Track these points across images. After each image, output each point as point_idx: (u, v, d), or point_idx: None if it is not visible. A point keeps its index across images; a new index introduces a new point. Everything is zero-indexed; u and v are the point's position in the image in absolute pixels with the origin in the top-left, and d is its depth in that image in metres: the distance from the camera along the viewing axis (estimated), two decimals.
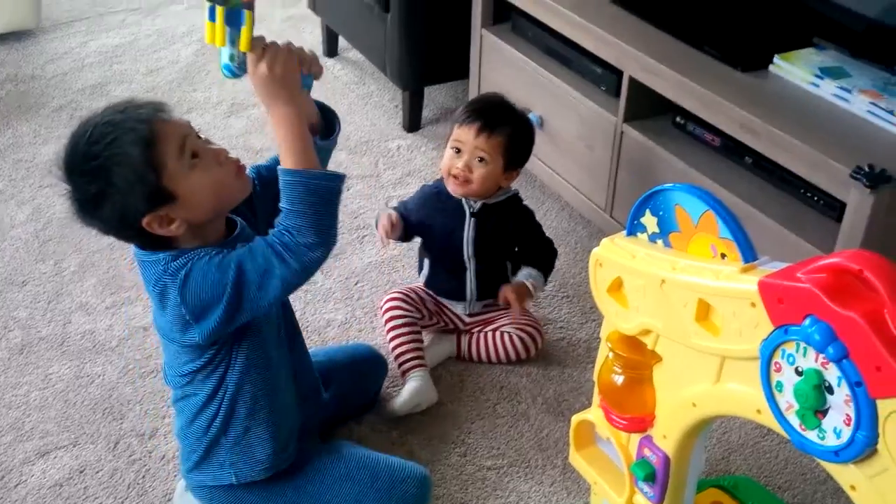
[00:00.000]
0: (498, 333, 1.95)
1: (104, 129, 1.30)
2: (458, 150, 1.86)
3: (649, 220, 1.27)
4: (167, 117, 1.35)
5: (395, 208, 1.97)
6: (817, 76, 1.80)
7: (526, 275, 1.93)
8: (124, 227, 1.36)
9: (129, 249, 2.22)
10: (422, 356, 1.88)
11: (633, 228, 1.31)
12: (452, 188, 1.88)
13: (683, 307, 1.19)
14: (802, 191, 1.77)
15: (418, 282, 2.02)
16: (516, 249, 1.98)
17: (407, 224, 1.93)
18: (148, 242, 1.38)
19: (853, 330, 0.97)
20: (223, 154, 1.40)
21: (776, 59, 1.88)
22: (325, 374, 1.72)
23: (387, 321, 1.92)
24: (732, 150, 1.89)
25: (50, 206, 2.43)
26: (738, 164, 1.90)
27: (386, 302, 1.95)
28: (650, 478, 1.35)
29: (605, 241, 1.33)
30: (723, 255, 1.18)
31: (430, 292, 1.99)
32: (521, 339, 1.93)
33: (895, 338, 0.95)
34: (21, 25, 3.30)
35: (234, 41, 1.36)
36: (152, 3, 3.68)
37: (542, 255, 1.98)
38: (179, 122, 1.37)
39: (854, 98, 1.74)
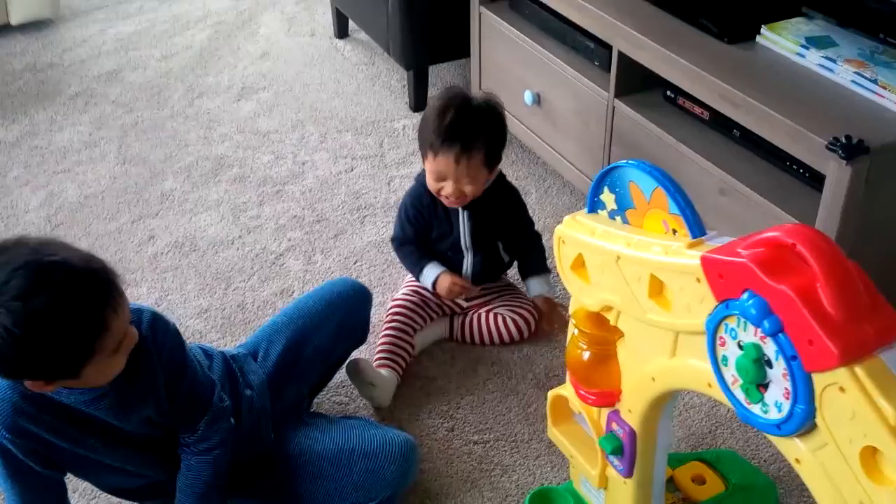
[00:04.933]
0: (492, 315, 1.96)
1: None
2: (442, 178, 1.83)
3: (608, 197, 1.28)
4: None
5: (395, 241, 1.99)
6: (803, 46, 1.78)
7: (541, 287, 1.98)
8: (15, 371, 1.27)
9: (136, 233, 2.31)
10: (399, 364, 1.88)
11: (594, 206, 1.31)
12: (448, 204, 1.88)
13: (638, 283, 1.20)
14: (787, 163, 1.76)
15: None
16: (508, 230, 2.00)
17: (415, 242, 1.96)
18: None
19: (786, 304, 0.97)
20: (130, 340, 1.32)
21: (763, 29, 1.86)
22: (310, 325, 1.71)
23: (385, 326, 1.93)
24: (720, 123, 1.88)
25: (63, 190, 2.50)
26: (726, 137, 1.89)
27: (390, 308, 1.96)
28: (618, 451, 1.37)
29: (567, 218, 1.34)
30: (674, 231, 1.18)
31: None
32: (514, 321, 1.95)
33: (827, 311, 0.95)
34: (40, 15, 3.36)
35: None
36: None
37: (529, 241, 2.01)
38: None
39: (839, 68, 1.72)
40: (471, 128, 1.79)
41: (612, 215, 1.29)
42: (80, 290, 1.22)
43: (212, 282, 2.16)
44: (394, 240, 2.01)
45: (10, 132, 2.77)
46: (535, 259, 2.01)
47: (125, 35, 3.37)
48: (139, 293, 2.13)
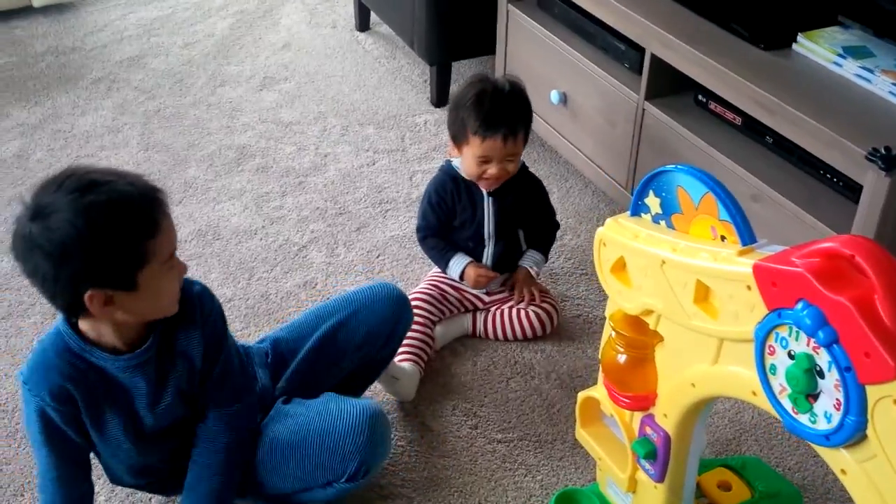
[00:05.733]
0: (514, 311, 1.96)
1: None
2: (486, 161, 1.86)
3: (653, 201, 1.28)
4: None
5: (420, 232, 2.00)
6: (840, 55, 1.78)
7: (531, 261, 1.99)
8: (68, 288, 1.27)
9: None
10: (420, 358, 1.88)
11: (637, 209, 1.31)
12: (487, 186, 1.90)
13: (683, 288, 1.20)
14: (822, 172, 1.76)
15: (435, 270, 2.03)
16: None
17: (438, 231, 1.98)
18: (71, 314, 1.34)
19: (843, 315, 0.97)
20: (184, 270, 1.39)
21: (800, 37, 1.85)
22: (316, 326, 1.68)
23: None
24: (753, 129, 1.88)
25: None
26: (758, 144, 1.89)
27: (410, 302, 1.96)
28: (651, 455, 1.37)
29: (609, 220, 1.34)
30: (723, 238, 1.18)
31: (448, 278, 2.00)
32: (537, 315, 1.95)
33: (884, 324, 0.95)
34: None
35: None
36: None
37: (547, 230, 2.03)
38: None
39: (876, 78, 1.72)
40: (511, 110, 1.85)
41: (656, 219, 1.29)
42: (130, 189, 1.26)
43: (235, 271, 2.16)
44: (418, 230, 2.02)
45: (33, 114, 2.76)
46: (545, 240, 2.04)
47: (147, 21, 3.36)
48: None
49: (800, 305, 1.02)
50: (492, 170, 1.85)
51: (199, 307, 1.42)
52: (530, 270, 1.99)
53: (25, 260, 1.25)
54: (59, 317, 1.36)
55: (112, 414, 1.41)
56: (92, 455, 1.48)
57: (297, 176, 2.50)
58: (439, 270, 2.01)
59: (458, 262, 1.95)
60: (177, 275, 1.36)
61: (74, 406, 1.37)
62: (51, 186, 1.25)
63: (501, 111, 1.83)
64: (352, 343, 1.67)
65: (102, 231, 1.23)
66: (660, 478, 1.38)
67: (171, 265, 1.33)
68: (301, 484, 1.53)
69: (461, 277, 1.95)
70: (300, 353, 1.66)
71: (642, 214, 1.31)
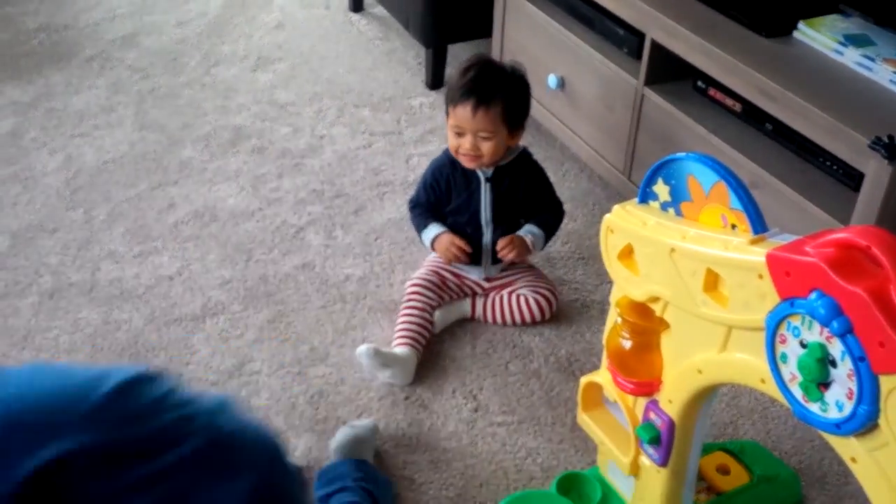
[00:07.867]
0: (514, 296, 1.97)
1: None
2: (460, 133, 1.86)
3: (661, 189, 1.29)
4: None
5: (411, 202, 2.01)
6: (841, 44, 1.79)
7: (526, 231, 1.96)
8: None
9: (156, 201, 2.30)
10: (418, 342, 1.88)
11: (646, 196, 1.32)
12: (465, 163, 1.90)
13: (692, 276, 1.21)
14: (822, 159, 1.77)
15: (433, 255, 2.02)
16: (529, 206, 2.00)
17: (428, 210, 1.98)
18: None
19: (858, 305, 0.98)
20: None
21: (800, 24, 1.86)
22: None
23: (403, 305, 1.94)
24: (753, 116, 1.89)
25: (81, 154, 2.47)
26: (758, 131, 1.90)
27: (409, 287, 1.97)
28: (655, 441, 1.38)
29: (616, 207, 1.35)
30: (733, 226, 1.19)
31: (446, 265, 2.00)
32: (536, 301, 1.96)
33: None
34: None
35: None
36: None
37: (550, 213, 2.00)
38: None
39: (877, 67, 1.73)
40: (490, 82, 1.84)
41: (664, 207, 1.30)
42: None
43: (233, 253, 2.16)
44: (410, 201, 2.04)
45: (26, 93, 2.74)
46: (549, 222, 1.99)
47: None
48: (160, 261, 2.12)
49: (814, 295, 1.03)
50: (465, 143, 1.85)
51: None
52: (525, 238, 1.94)
53: None
54: None
55: None
56: None
57: (293, 157, 2.49)
58: (433, 256, 2.02)
59: (433, 230, 1.95)
60: None
61: None
62: None
63: (480, 81, 1.82)
64: None
65: None
66: (663, 462, 1.40)
67: None
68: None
69: (432, 247, 1.96)
70: None
71: (650, 202, 1.32)
